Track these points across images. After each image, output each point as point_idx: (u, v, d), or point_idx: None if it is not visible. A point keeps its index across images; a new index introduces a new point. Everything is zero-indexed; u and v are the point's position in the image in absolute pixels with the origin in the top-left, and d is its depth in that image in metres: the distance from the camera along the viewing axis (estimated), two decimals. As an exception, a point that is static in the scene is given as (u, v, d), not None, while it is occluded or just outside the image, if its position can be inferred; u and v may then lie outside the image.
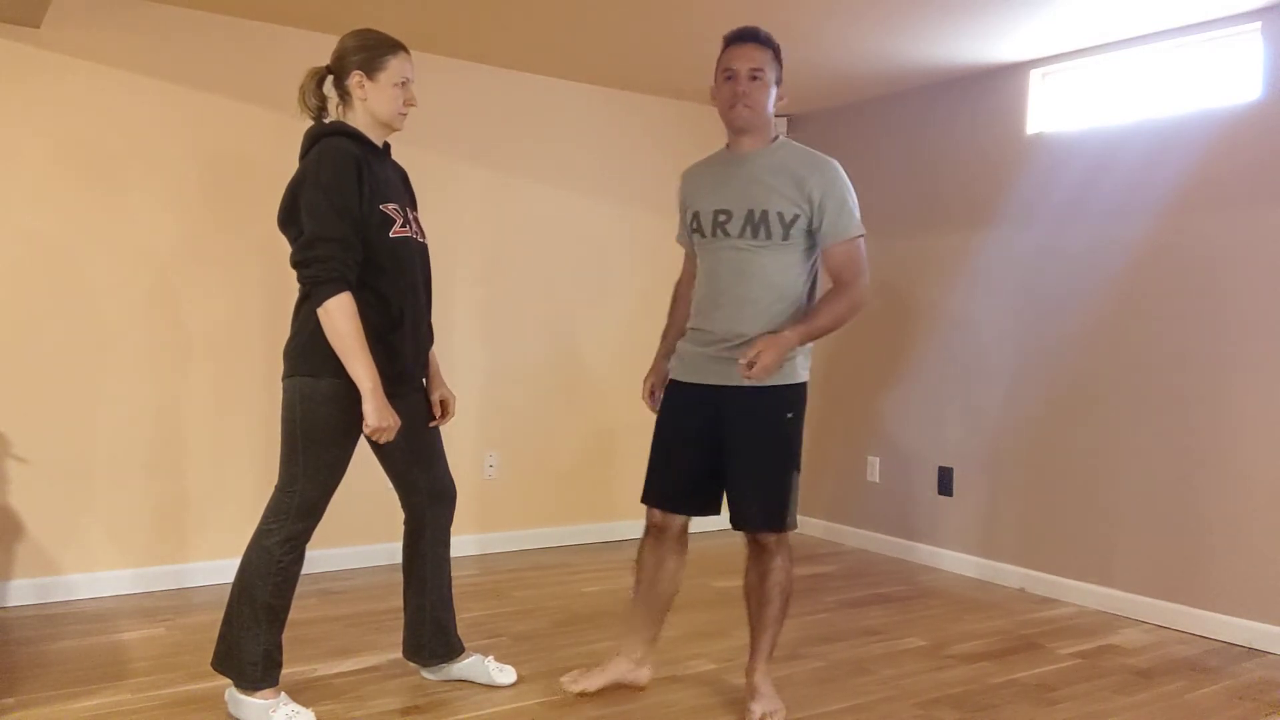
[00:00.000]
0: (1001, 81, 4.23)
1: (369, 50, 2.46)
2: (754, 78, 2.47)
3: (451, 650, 2.77)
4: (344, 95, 2.50)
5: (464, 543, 4.25)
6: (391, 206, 2.46)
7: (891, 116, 4.70)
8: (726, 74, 2.50)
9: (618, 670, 2.77)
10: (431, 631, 2.73)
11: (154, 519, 3.67)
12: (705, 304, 2.60)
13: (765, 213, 2.48)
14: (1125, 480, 3.74)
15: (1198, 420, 3.53)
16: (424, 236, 2.61)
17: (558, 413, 4.62)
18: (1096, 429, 3.83)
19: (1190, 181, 3.57)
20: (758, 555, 2.57)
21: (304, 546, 2.47)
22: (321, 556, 3.93)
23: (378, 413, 2.34)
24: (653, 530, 2.70)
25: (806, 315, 2.50)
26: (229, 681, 2.48)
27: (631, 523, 4.81)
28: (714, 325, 2.55)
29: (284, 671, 2.51)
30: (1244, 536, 3.40)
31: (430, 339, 2.67)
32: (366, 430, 2.38)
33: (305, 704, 2.52)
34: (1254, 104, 3.42)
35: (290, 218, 2.40)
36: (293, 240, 2.41)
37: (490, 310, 4.40)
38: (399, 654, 2.85)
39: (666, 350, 2.79)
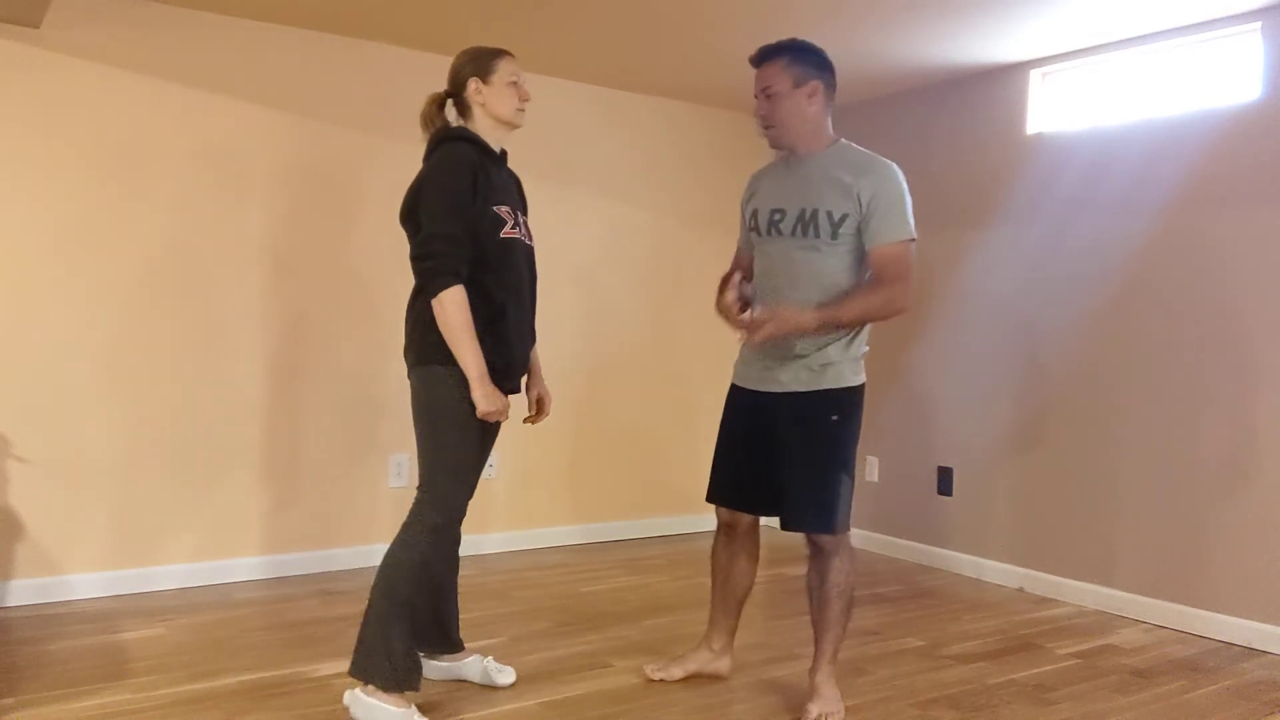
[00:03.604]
0: (1001, 81, 4.23)
1: (479, 60, 2.57)
2: (767, 96, 2.57)
3: (450, 644, 2.78)
4: (463, 108, 2.59)
5: (464, 543, 4.24)
6: (504, 209, 2.54)
7: (892, 117, 4.70)
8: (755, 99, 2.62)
9: (699, 660, 2.88)
10: (428, 620, 2.73)
11: (155, 519, 3.66)
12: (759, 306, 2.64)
13: (815, 211, 2.51)
14: (1124, 480, 3.74)
15: (1197, 420, 3.53)
16: (532, 239, 2.68)
17: (559, 413, 4.60)
18: (1096, 429, 3.83)
19: (1190, 182, 3.57)
20: (816, 557, 2.62)
21: (446, 542, 2.54)
22: (321, 556, 3.94)
23: (487, 398, 2.42)
24: (723, 528, 2.82)
25: (834, 300, 2.48)
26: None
27: (631, 523, 4.83)
28: None
29: (284, 672, 2.51)
30: (1243, 536, 3.41)
31: (533, 338, 2.76)
32: (479, 415, 2.44)
33: (306, 704, 2.52)
34: (1254, 104, 3.42)
35: (411, 215, 2.50)
36: (411, 236, 2.51)
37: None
38: (399, 654, 2.85)
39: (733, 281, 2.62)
